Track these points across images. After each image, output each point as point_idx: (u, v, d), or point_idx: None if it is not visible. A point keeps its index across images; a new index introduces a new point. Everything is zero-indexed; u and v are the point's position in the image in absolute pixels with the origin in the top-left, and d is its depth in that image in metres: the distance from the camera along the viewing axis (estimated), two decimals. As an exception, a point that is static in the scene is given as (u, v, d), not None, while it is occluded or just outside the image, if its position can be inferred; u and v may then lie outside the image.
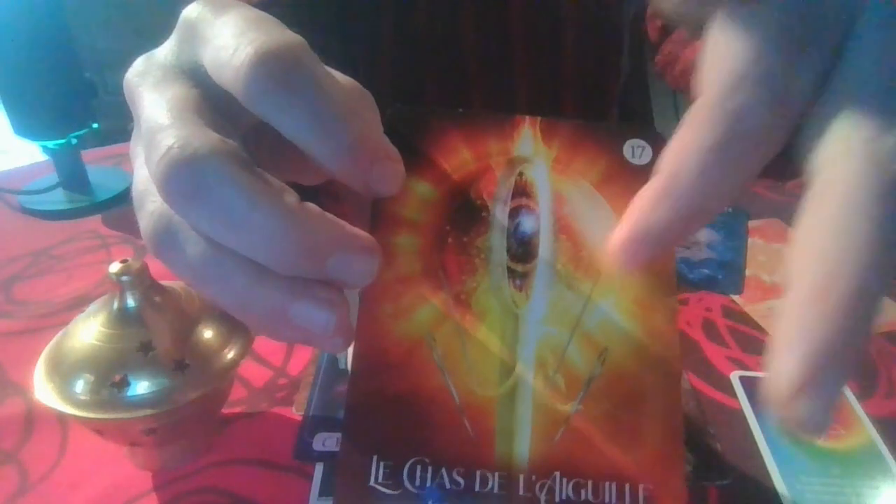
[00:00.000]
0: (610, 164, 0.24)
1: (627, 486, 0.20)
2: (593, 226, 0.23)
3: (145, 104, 0.21)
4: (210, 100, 0.22)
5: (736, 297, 0.46)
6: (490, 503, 0.20)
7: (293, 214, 0.18)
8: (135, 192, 0.22)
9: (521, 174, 0.24)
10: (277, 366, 0.40)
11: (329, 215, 0.19)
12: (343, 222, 0.20)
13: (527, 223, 0.23)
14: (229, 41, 0.20)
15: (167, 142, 0.19)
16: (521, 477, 0.20)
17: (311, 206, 0.19)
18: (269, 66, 0.19)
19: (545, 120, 0.25)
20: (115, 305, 0.30)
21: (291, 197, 0.19)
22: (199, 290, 0.20)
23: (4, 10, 0.54)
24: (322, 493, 0.31)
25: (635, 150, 0.24)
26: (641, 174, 0.24)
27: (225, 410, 0.35)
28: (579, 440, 0.21)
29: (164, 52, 0.24)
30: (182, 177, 0.18)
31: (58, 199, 0.60)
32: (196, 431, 0.33)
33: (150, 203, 0.20)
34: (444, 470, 0.20)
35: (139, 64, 0.23)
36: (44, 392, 0.29)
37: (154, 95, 0.21)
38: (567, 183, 0.24)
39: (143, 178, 0.21)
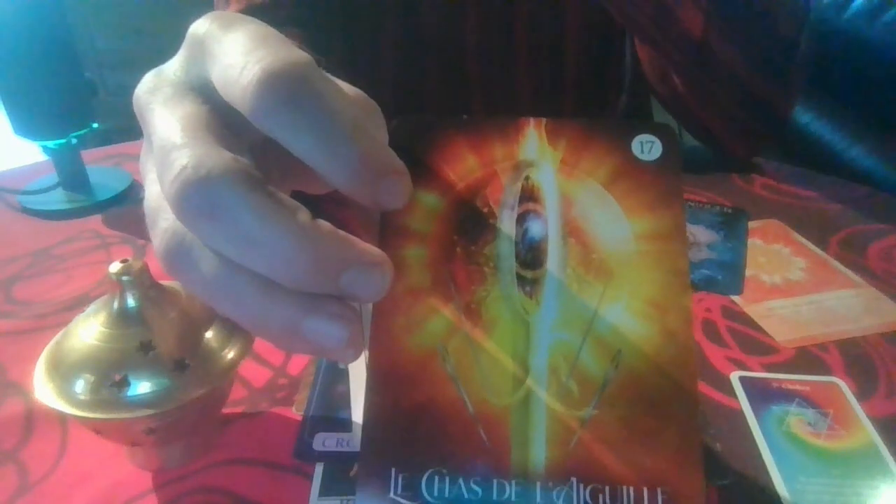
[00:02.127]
0: (619, 162, 0.24)
1: (646, 491, 0.20)
2: (603, 227, 0.23)
3: (156, 121, 0.21)
4: (220, 115, 0.22)
5: (736, 298, 0.46)
6: None
7: (305, 232, 0.19)
8: (147, 209, 0.22)
9: (527, 178, 0.24)
10: (277, 366, 0.40)
11: (341, 232, 0.20)
12: (355, 238, 0.20)
13: (534, 228, 0.23)
14: (237, 59, 0.20)
15: (180, 161, 0.19)
16: (538, 484, 0.20)
17: (323, 223, 0.19)
18: (276, 86, 0.19)
19: (550, 121, 0.24)
20: (115, 305, 0.30)
21: (304, 215, 0.19)
22: (213, 306, 0.20)
23: (4, 10, 0.54)
24: (322, 493, 0.31)
25: (644, 146, 0.24)
26: (651, 170, 0.24)
27: (225, 410, 0.35)
28: (595, 445, 0.21)
29: (174, 67, 0.24)
30: (196, 197, 0.19)
31: (58, 199, 0.60)
32: (196, 431, 0.33)
33: (163, 220, 0.21)
34: (461, 480, 0.21)
35: (149, 80, 0.23)
36: (44, 392, 0.29)
37: (165, 113, 0.21)
38: (575, 184, 0.24)
39: (156, 195, 0.21)
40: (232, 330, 0.31)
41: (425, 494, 0.20)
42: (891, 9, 1.24)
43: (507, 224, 0.23)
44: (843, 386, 0.37)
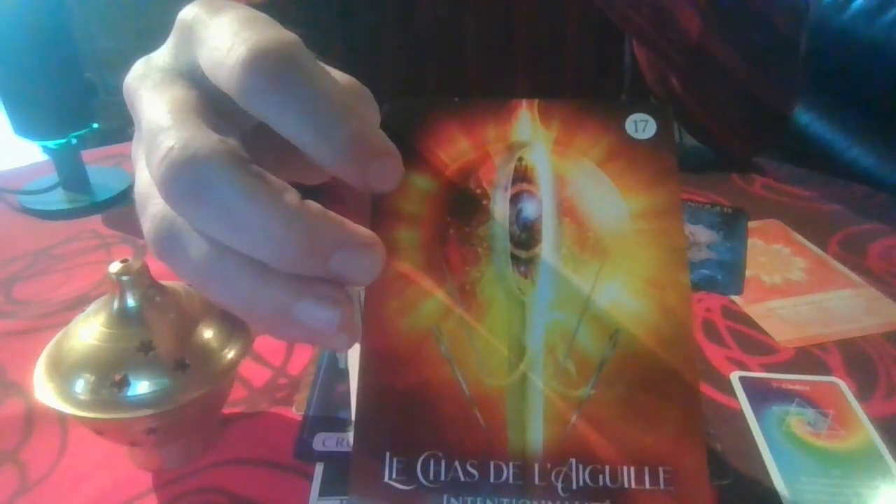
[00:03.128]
0: (612, 141, 0.24)
1: (647, 470, 0.20)
2: (598, 205, 0.23)
3: (145, 107, 0.21)
4: (209, 100, 0.22)
5: (736, 298, 0.46)
6: (505, 494, 0.20)
7: (294, 213, 0.18)
8: (137, 195, 0.22)
9: (520, 159, 0.24)
10: (277, 366, 0.40)
11: (331, 213, 0.19)
12: (345, 219, 0.20)
13: (528, 208, 0.23)
14: (223, 41, 0.20)
15: (167, 143, 0.19)
16: (536, 466, 0.20)
17: (312, 203, 0.19)
18: (262, 65, 0.19)
19: (543, 101, 0.24)
20: (115, 305, 0.30)
21: (292, 195, 0.19)
22: (203, 292, 0.20)
23: (4, 10, 0.54)
24: (322, 493, 0.31)
25: (638, 125, 0.24)
26: (645, 149, 0.24)
27: (225, 410, 0.35)
28: (594, 425, 0.21)
29: (163, 54, 0.24)
30: (182, 178, 0.18)
31: (58, 199, 0.60)
32: (196, 431, 0.33)
33: (153, 205, 0.20)
34: (457, 462, 0.20)
35: (138, 67, 0.23)
36: (44, 392, 0.29)
37: (154, 97, 0.21)
38: (569, 164, 0.24)
39: (145, 181, 0.21)
40: (232, 330, 0.31)
41: (420, 478, 0.20)
42: (891, 9, 1.24)
43: (500, 205, 0.23)
44: (843, 386, 0.37)
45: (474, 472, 0.20)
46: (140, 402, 0.28)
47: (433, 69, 0.69)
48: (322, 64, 0.21)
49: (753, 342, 0.42)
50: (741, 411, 0.36)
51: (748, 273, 0.48)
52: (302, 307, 0.19)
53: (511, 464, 0.20)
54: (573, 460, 0.20)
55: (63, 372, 0.29)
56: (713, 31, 0.53)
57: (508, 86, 0.69)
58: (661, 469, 0.20)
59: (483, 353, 0.22)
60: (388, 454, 0.21)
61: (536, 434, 0.21)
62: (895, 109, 1.22)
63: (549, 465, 0.20)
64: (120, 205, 0.60)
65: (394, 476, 0.20)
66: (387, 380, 0.21)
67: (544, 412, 0.21)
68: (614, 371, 0.21)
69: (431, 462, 0.20)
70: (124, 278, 0.29)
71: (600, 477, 0.20)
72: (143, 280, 0.30)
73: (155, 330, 0.29)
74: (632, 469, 0.20)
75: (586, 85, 0.71)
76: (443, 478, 0.20)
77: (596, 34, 0.68)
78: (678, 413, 0.21)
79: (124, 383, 0.28)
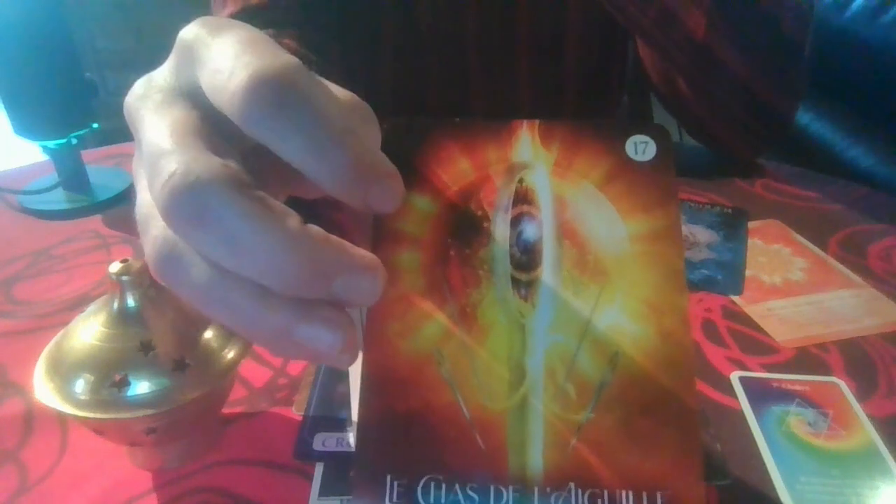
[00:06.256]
0: (612, 163, 0.24)
1: (645, 494, 0.20)
2: (598, 228, 0.23)
3: (146, 128, 0.21)
4: (210, 121, 0.22)
5: (736, 298, 0.46)
6: None
7: (296, 238, 0.18)
8: (138, 216, 0.22)
9: (520, 181, 0.24)
10: (277, 366, 0.40)
11: (332, 237, 0.19)
12: (346, 243, 0.20)
13: (529, 231, 0.23)
14: (224, 65, 0.20)
15: (169, 168, 0.19)
16: (536, 489, 0.20)
17: (314, 228, 0.19)
18: (264, 91, 0.19)
19: (543, 123, 0.24)
20: (115, 305, 0.30)
21: (294, 220, 0.19)
22: (205, 313, 0.20)
23: (4, 10, 0.54)
24: (322, 493, 0.31)
25: (638, 147, 0.24)
26: (645, 171, 0.24)
27: (225, 410, 0.35)
28: (593, 449, 0.21)
29: (164, 73, 0.23)
30: (184, 203, 0.18)
31: (58, 199, 0.60)
32: (196, 431, 0.33)
33: (154, 227, 0.20)
34: (457, 486, 0.20)
35: (139, 87, 0.23)
36: (44, 392, 0.29)
37: (155, 119, 0.21)
38: (569, 186, 0.24)
39: (147, 202, 0.21)
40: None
41: (421, 501, 0.20)
42: (891, 9, 1.24)
43: (501, 227, 0.23)
44: (843, 386, 0.37)
45: (474, 495, 0.20)
46: (140, 402, 0.28)
47: (433, 68, 0.68)
48: (323, 81, 0.21)
49: (753, 342, 0.42)
50: (741, 411, 0.36)
51: (748, 273, 0.48)
52: (304, 330, 0.19)
53: (511, 487, 0.20)
54: (572, 484, 0.20)
55: (63, 372, 0.29)
56: (718, 33, 0.53)
57: (509, 85, 0.69)
58: (658, 493, 0.20)
59: (483, 376, 0.22)
60: (388, 477, 0.21)
61: (536, 458, 0.21)
62: (895, 109, 1.22)
63: (548, 489, 0.20)
64: (120, 205, 0.60)
65: (395, 499, 0.20)
66: (387, 402, 0.21)
67: (544, 436, 0.21)
68: (613, 395, 0.21)
69: (432, 485, 0.20)
70: (124, 278, 0.29)
71: (599, 501, 0.20)
72: (143, 280, 0.30)
73: (155, 330, 0.29)
74: (630, 493, 0.20)
75: (588, 83, 0.71)
76: (443, 501, 0.20)
77: (598, 34, 0.68)
78: (676, 437, 0.21)
79: (124, 383, 0.28)
